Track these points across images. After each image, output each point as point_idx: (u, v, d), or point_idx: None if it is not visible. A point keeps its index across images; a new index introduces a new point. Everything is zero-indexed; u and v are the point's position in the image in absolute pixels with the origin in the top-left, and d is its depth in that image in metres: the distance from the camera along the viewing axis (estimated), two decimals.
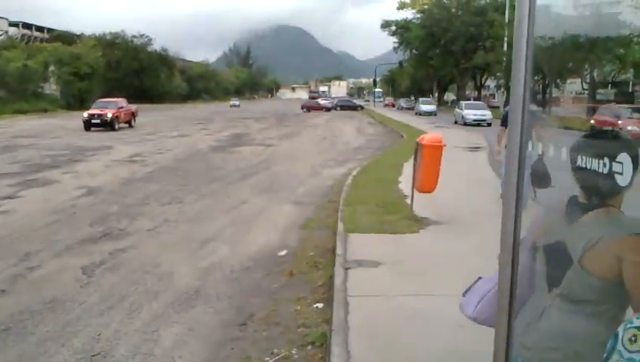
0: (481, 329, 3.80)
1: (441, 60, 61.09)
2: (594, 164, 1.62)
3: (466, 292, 2.11)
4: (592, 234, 1.63)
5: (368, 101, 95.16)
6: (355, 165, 14.37)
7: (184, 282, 5.52)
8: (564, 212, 1.76)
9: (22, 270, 5.86)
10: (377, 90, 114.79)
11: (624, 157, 1.55)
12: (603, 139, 1.69)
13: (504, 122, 9.40)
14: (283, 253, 6.56)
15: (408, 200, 8.04)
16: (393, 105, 72.61)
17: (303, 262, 6.14)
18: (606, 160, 1.58)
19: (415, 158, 7.55)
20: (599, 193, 1.66)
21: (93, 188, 10.98)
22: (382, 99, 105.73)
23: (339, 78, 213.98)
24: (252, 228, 7.84)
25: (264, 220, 8.38)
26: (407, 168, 11.94)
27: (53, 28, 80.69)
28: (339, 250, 6.01)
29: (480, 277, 2.09)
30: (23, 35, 76.22)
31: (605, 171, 1.59)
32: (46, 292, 5.19)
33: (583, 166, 1.66)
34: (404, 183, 10.02)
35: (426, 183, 7.32)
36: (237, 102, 74.57)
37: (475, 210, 8.21)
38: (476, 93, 61.97)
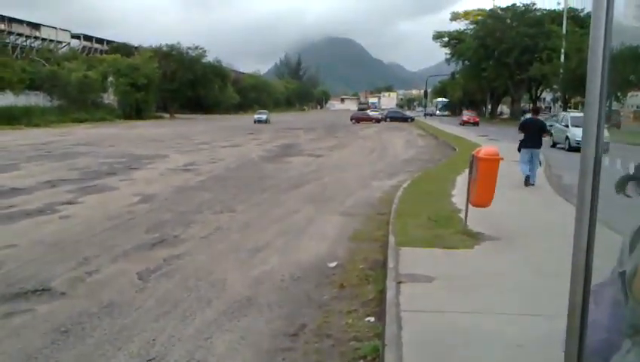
0: (539, 349, 3.67)
1: (495, 72, 59.98)
2: None
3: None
4: (637, 260, 1.44)
5: (432, 114, 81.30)
6: (405, 177, 14.21)
7: (236, 290, 5.56)
8: (629, 240, 1.55)
9: (81, 274, 6.05)
10: (441, 99, 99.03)
11: None
12: None
13: (520, 128, 12.34)
14: (333, 264, 6.52)
15: (462, 215, 7.86)
16: (476, 123, 51.12)
17: (353, 275, 6.08)
18: None
19: (470, 172, 7.38)
20: None
21: (148, 195, 11.28)
22: (445, 111, 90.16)
23: (389, 89, 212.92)
24: (302, 239, 7.84)
25: (314, 231, 8.37)
26: (461, 181, 11.74)
27: (113, 40, 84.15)
28: (390, 264, 5.91)
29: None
30: (84, 47, 79.95)
31: None
32: (103, 296, 5.34)
33: None
34: (458, 197, 9.82)
35: (481, 197, 7.14)
36: (264, 116, 55.61)
37: (532, 226, 7.96)
38: (531, 105, 60.39)
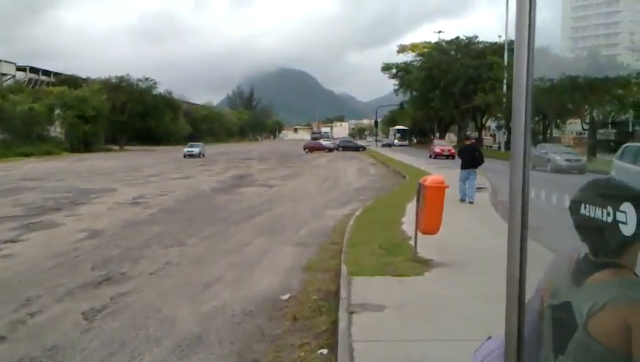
0: None
1: (441, 102, 61.78)
2: (596, 214, 1.49)
3: (476, 351, 1.88)
4: (598, 298, 1.46)
5: (390, 144, 70.45)
6: (357, 206, 14.36)
7: (186, 327, 5.45)
8: (571, 271, 1.60)
9: (22, 316, 5.79)
10: (399, 127, 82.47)
11: (627, 206, 1.43)
12: (606, 187, 1.55)
13: (459, 154, 15.37)
14: (286, 296, 6.49)
15: (412, 242, 7.99)
16: (453, 156, 34.93)
17: (306, 306, 6.06)
18: (609, 209, 1.46)
19: (418, 200, 7.54)
20: (605, 249, 1.51)
21: (95, 231, 10.96)
22: (404, 141, 75.54)
23: (340, 119, 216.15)
24: (254, 271, 7.78)
25: (266, 262, 8.32)
26: (411, 208, 11.94)
27: (60, 72, 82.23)
28: (343, 294, 5.94)
29: (489, 337, 1.88)
30: (30, 79, 77.71)
31: (609, 222, 1.46)
32: (46, 339, 5.12)
33: (586, 217, 1.53)
34: (408, 224, 9.98)
35: (429, 225, 7.30)
36: (195, 150, 46.57)
37: (480, 251, 8.15)
38: (477, 133, 62.42)
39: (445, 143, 45.72)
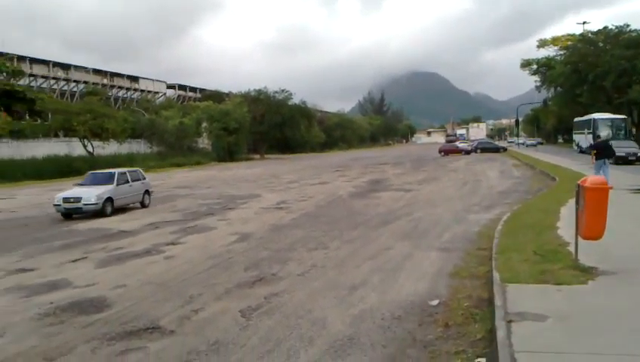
0: None
1: (591, 97, 56.93)
2: None
3: None
4: None
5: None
6: (503, 210, 13.65)
7: (336, 328, 5.51)
8: None
9: (187, 312, 6.26)
10: (608, 115, 46.00)
11: None
12: None
13: (593, 148, 18.61)
14: (434, 302, 6.32)
15: (569, 248, 7.40)
16: None
17: (457, 313, 5.85)
18: None
19: (577, 202, 6.95)
20: None
21: (245, 234, 11.59)
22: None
23: (477, 120, 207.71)
24: (399, 275, 7.69)
25: (410, 267, 8.19)
26: (565, 213, 11.13)
27: (204, 88, 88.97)
28: (497, 301, 5.63)
29: None
30: (179, 96, 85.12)
31: None
32: (209, 334, 5.47)
33: None
34: (564, 229, 9.27)
35: (591, 229, 6.67)
36: (92, 196, 15.42)
37: None
38: (634, 129, 56.67)
39: None
